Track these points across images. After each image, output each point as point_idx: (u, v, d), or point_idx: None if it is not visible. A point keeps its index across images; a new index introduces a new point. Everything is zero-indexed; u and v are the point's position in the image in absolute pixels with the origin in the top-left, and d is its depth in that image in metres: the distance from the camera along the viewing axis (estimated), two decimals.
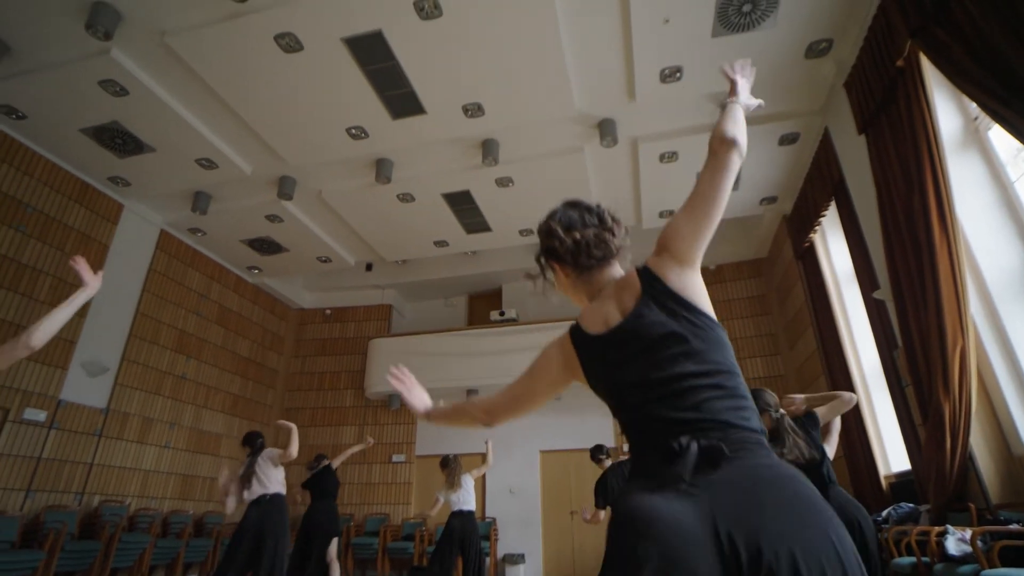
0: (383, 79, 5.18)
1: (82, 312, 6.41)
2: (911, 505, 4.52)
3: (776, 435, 2.87)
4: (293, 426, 4.41)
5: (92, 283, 2.13)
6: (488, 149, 6.16)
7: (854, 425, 5.60)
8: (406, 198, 7.18)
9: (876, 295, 5.02)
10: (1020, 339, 3.76)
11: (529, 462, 8.73)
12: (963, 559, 3.15)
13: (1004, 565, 2.87)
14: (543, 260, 1.32)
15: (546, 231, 1.30)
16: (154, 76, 5.19)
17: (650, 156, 6.42)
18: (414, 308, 11.05)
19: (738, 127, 1.18)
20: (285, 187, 6.77)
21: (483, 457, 6.04)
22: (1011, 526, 3.15)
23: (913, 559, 3.63)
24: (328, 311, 10.53)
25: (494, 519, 8.43)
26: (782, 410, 2.98)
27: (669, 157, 6.44)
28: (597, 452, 5.01)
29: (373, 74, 5.12)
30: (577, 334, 1.23)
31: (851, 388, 5.68)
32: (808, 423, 3.07)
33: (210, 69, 5.02)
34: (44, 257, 6.17)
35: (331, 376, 10.05)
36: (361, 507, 8.97)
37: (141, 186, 6.86)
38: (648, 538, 0.89)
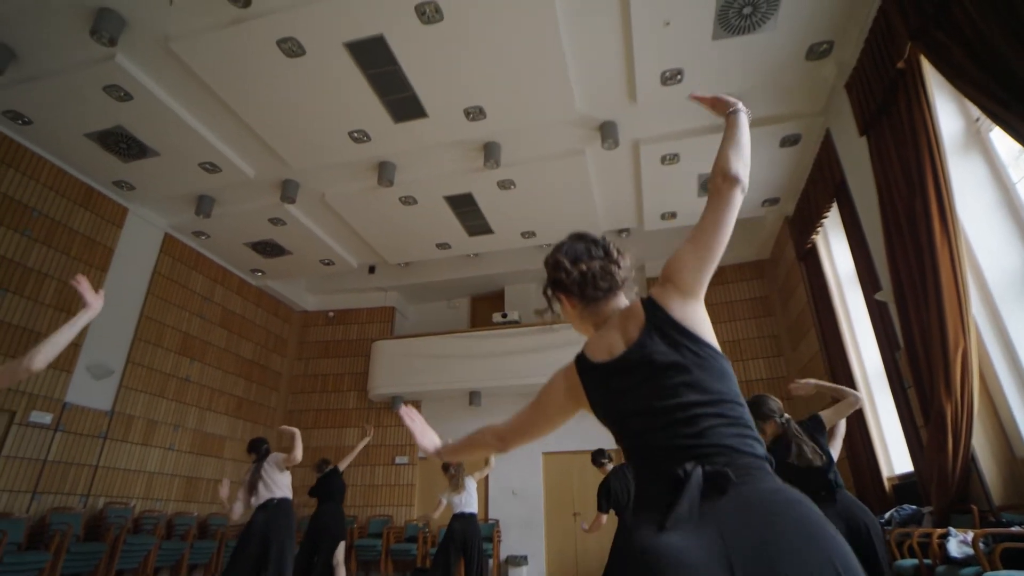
0: (385, 83, 5.21)
1: None
2: (914, 507, 4.50)
3: (783, 441, 2.86)
4: (296, 431, 4.42)
5: (94, 304, 2.11)
6: (490, 152, 6.18)
7: (857, 427, 5.58)
8: (408, 201, 7.21)
9: (878, 297, 5.01)
10: (1022, 340, 3.75)
11: (532, 464, 8.73)
12: (965, 561, 3.15)
13: (1006, 567, 2.86)
14: (550, 292, 1.34)
15: (553, 264, 1.31)
16: (158, 81, 5.24)
17: (651, 158, 6.43)
18: (417, 310, 11.08)
19: (741, 157, 1.18)
20: (288, 190, 6.81)
21: (485, 459, 6.05)
22: (1013, 528, 3.15)
23: (915, 561, 3.62)
24: (331, 313, 10.55)
25: (497, 521, 8.44)
26: (787, 415, 2.97)
27: (670, 159, 6.45)
28: (599, 456, 5.00)
29: (375, 78, 5.15)
30: (582, 363, 1.24)
31: (854, 389, 5.66)
32: (814, 428, 3.05)
33: (213, 74, 5.06)
34: (49, 261, 6.21)
35: (334, 378, 10.08)
36: (364, 509, 9.00)
37: (145, 190, 6.92)
38: None
